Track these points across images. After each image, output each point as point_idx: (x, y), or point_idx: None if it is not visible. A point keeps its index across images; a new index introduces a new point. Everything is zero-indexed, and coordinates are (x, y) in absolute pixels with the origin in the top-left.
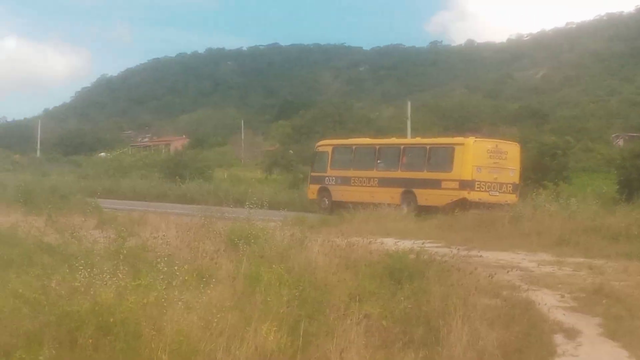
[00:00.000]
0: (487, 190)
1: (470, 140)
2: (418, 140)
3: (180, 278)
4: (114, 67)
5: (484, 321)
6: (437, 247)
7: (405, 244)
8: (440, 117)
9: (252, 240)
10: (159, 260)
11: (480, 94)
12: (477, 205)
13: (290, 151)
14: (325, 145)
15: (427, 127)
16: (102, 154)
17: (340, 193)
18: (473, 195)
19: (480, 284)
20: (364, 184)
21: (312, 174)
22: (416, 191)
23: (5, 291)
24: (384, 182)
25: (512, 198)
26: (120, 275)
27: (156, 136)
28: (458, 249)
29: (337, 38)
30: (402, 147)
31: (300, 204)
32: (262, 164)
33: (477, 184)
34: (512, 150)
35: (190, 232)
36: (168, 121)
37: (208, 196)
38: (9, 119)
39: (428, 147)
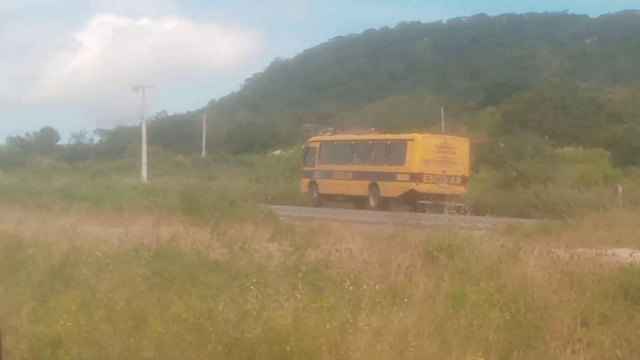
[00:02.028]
0: (436, 182)
1: (419, 136)
2: (382, 136)
3: (370, 299)
4: (290, 49)
5: None
6: None
7: None
8: None
9: (455, 253)
10: (343, 277)
11: None
12: (427, 196)
13: (501, 144)
14: (315, 141)
15: None
16: (277, 151)
17: (325, 186)
18: (421, 187)
19: None
20: (342, 178)
21: (304, 168)
22: (379, 183)
23: (166, 315)
24: (357, 176)
25: (461, 190)
26: (298, 296)
27: (340, 129)
28: None
29: (556, 5)
30: (370, 142)
31: (514, 208)
32: None
33: (425, 177)
34: (461, 146)
35: (380, 243)
36: (354, 111)
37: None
38: (170, 113)
39: (389, 142)
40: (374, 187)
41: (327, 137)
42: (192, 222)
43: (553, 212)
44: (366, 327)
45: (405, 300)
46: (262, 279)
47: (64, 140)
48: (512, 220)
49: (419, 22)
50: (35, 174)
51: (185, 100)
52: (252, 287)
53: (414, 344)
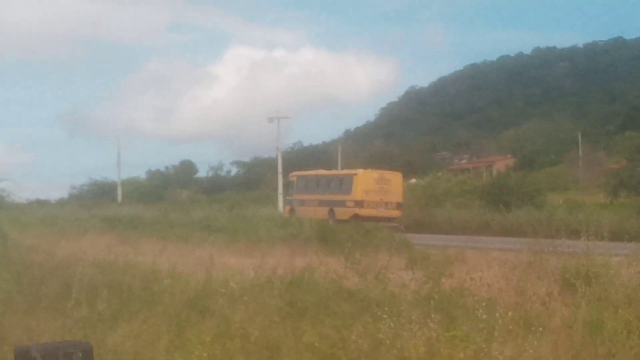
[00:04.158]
0: (375, 207)
1: (361, 171)
2: (336, 172)
3: (503, 327)
4: (425, 77)
5: None
6: None
7: None
8: None
9: (593, 280)
10: (477, 306)
11: None
12: (368, 218)
13: None
14: (293, 176)
15: None
16: (413, 180)
17: (300, 212)
18: (363, 211)
19: None
20: (311, 205)
21: (286, 197)
22: (335, 209)
23: (300, 345)
24: (320, 203)
25: (396, 213)
26: (432, 325)
27: (476, 156)
28: None
29: None
30: (328, 177)
31: None
32: (605, 185)
33: (366, 203)
34: (395, 178)
35: (516, 271)
36: (489, 138)
37: (539, 227)
38: (305, 144)
39: (340, 177)
40: (331, 211)
41: (301, 172)
42: (327, 252)
43: None
44: (500, 356)
45: (540, 328)
46: (395, 307)
47: (202, 173)
48: None
49: (554, 47)
50: (174, 206)
51: (321, 130)
52: (385, 316)
53: None
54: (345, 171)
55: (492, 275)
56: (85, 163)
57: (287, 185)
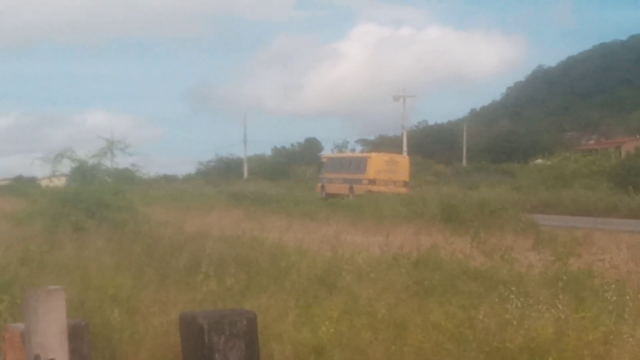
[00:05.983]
0: (385, 185)
1: (374, 154)
2: (355, 154)
3: (633, 309)
4: (553, 56)
5: None
6: None
7: None
8: None
9: None
10: (605, 287)
11: None
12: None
13: None
14: (323, 157)
15: None
16: (539, 160)
17: (328, 188)
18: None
19: None
20: (336, 182)
21: (319, 176)
22: (354, 186)
23: (426, 323)
24: (343, 181)
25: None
26: (560, 306)
27: (604, 137)
28: None
29: None
30: (349, 158)
31: None
32: None
33: (378, 181)
34: (402, 160)
35: None
36: (618, 119)
37: None
38: (430, 123)
39: (358, 158)
40: (351, 188)
41: (329, 154)
42: (452, 231)
43: None
44: (630, 339)
45: None
46: (522, 288)
47: (326, 150)
48: None
49: None
50: (299, 183)
51: (446, 109)
52: (512, 296)
53: None
54: (362, 154)
55: (621, 257)
56: (211, 139)
57: (320, 166)
